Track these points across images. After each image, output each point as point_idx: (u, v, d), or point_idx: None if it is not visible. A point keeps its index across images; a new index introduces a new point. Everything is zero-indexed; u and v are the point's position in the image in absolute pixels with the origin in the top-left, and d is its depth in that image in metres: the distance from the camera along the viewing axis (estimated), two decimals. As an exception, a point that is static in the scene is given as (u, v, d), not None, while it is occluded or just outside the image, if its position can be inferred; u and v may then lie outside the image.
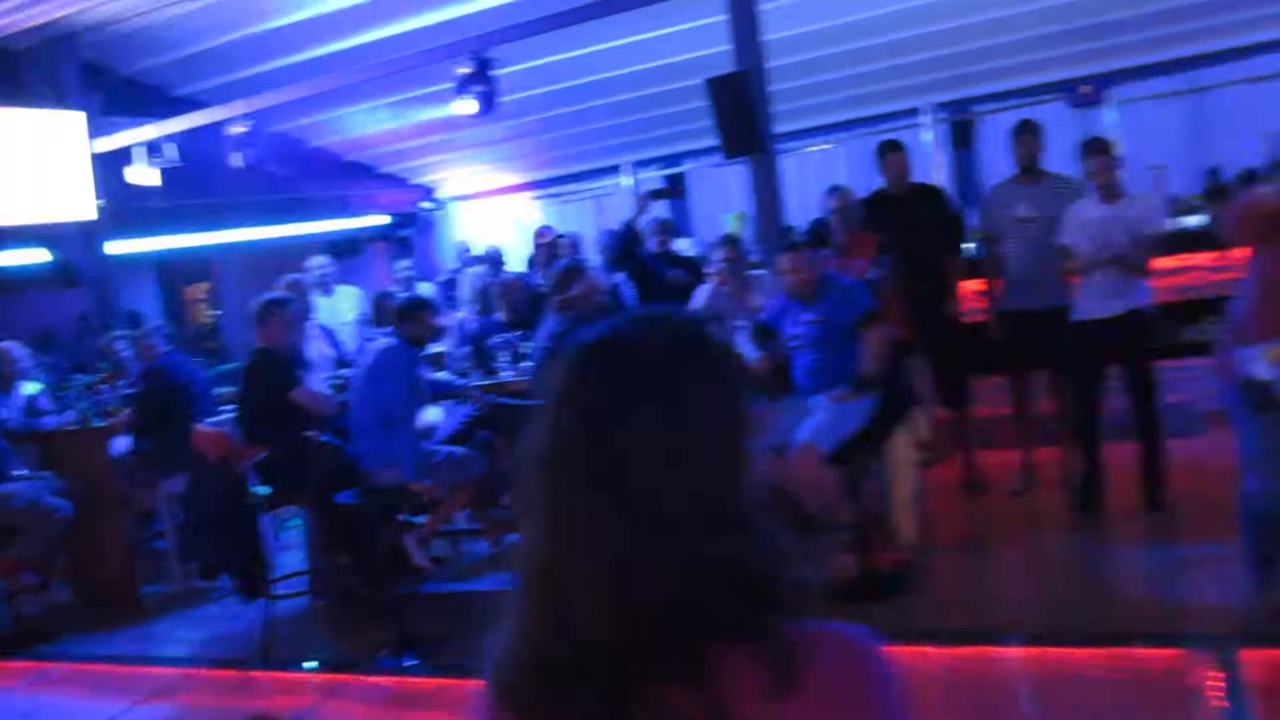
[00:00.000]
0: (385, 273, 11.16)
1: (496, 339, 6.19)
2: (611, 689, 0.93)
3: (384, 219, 11.62)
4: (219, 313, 12.20)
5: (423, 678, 4.39)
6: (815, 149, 10.50)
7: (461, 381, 5.86)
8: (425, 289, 8.48)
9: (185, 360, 6.49)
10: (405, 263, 9.52)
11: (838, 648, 0.96)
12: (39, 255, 8.63)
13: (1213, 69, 9.06)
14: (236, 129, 7.44)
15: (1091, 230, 4.86)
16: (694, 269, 6.87)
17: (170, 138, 7.72)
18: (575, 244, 8.36)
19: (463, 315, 7.35)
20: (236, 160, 7.53)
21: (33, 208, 7.62)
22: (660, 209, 9.34)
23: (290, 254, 8.67)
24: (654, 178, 11.17)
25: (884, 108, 9.88)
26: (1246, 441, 3.65)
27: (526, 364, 6.04)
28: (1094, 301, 4.90)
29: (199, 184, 8.50)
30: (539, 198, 12.15)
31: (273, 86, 7.84)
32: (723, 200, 10.64)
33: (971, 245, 5.99)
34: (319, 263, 7.64)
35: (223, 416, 5.89)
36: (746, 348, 4.98)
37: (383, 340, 5.46)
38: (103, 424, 6.21)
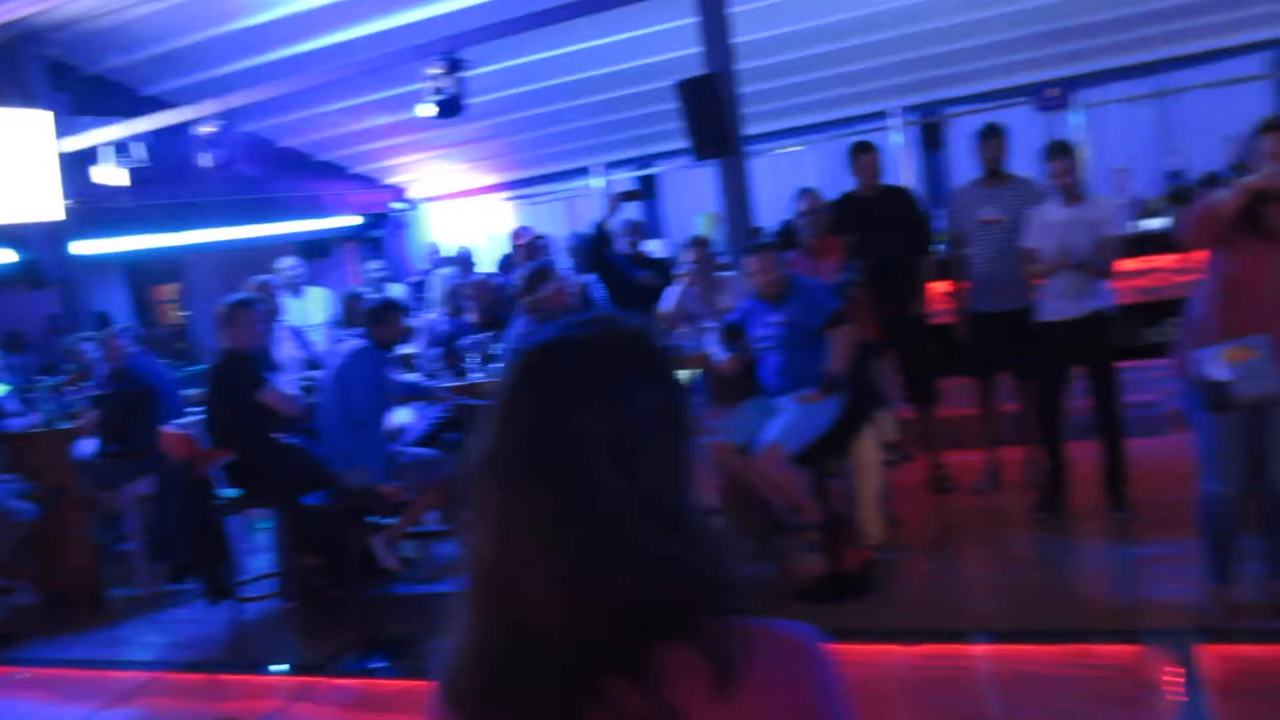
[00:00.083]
0: (355, 274, 11.12)
1: (467, 340, 6.19)
2: (564, 690, 0.95)
3: (355, 220, 11.58)
4: (188, 314, 12.11)
5: (391, 679, 4.39)
6: (785, 151, 10.55)
7: (431, 383, 5.85)
8: (396, 290, 8.47)
9: (153, 361, 6.45)
10: (376, 264, 9.49)
11: (780, 646, 0.97)
12: (6, 256, 8.55)
13: (1178, 73, 9.19)
14: (206, 129, 7.40)
15: (1054, 233, 4.92)
16: (663, 270, 6.89)
17: (139, 137, 7.67)
18: (547, 245, 8.37)
19: (433, 317, 7.33)
20: (206, 160, 7.48)
21: (-1, 208, 7.55)
22: (632, 210, 9.35)
23: (260, 255, 8.63)
24: (625, 179, 11.19)
25: (854, 110, 9.96)
26: (1204, 441, 3.70)
27: (497, 365, 6.04)
28: (1057, 303, 4.95)
29: (168, 184, 8.45)
30: (510, 199, 12.15)
31: (242, 86, 7.80)
32: (694, 201, 10.69)
33: (941, 247, 6.05)
34: (289, 264, 7.61)
35: (190, 418, 5.86)
36: (715, 348, 5.00)
37: (352, 342, 5.44)
38: (69, 425, 6.17)
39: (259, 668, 4.77)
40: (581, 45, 8.04)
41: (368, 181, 11.75)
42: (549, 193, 11.98)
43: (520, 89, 8.96)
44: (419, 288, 9.12)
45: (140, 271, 11.36)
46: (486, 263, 9.42)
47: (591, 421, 0.98)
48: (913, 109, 10.01)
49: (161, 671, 4.96)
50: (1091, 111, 9.40)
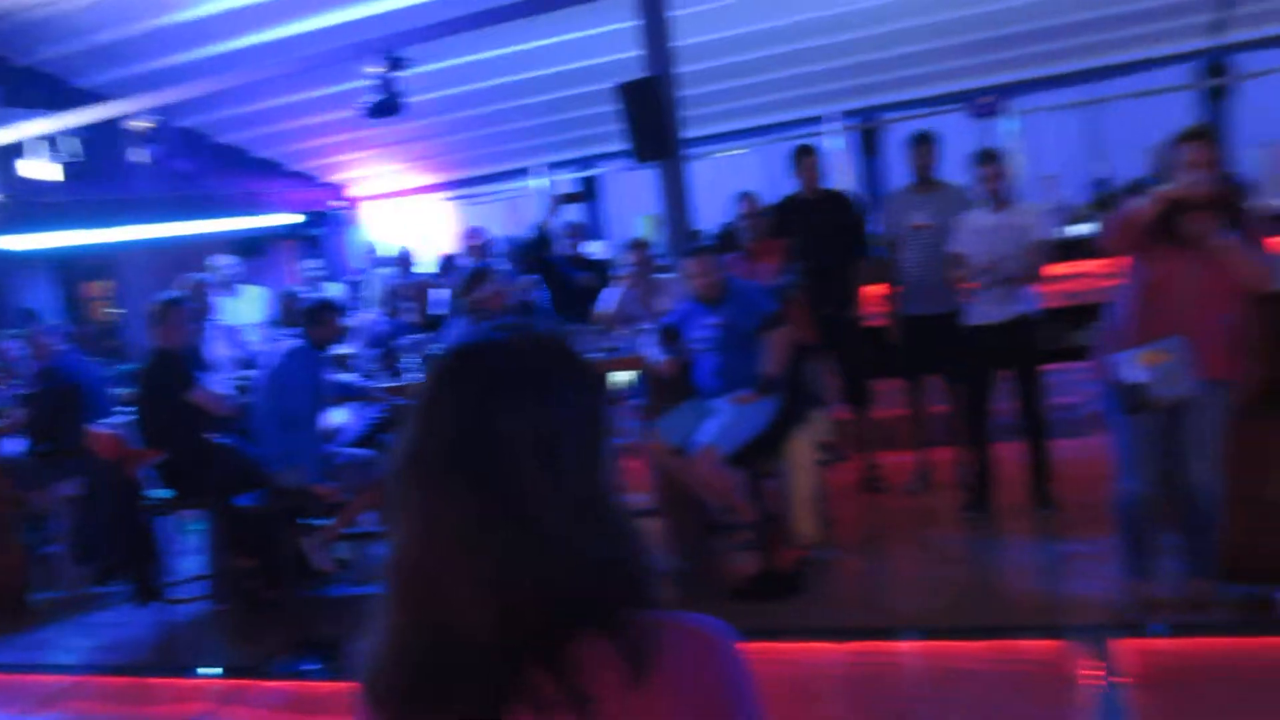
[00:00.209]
0: (292, 272, 10.99)
1: (405, 341, 6.16)
2: (484, 687, 0.97)
3: (292, 218, 11.43)
4: (119, 311, 11.88)
5: (324, 682, 4.36)
6: (725, 154, 10.62)
7: (368, 383, 5.82)
8: (333, 290, 8.39)
9: (82, 360, 6.34)
10: (313, 263, 9.39)
11: (691, 638, 1.00)
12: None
13: (1106, 83, 9.42)
14: (141, 123, 7.27)
15: (981, 238, 5.02)
16: (602, 272, 6.92)
17: (71, 131, 7.51)
18: (495, 246, 8.35)
19: (370, 317, 7.28)
20: (140, 155, 7.36)
21: (-78, 202, 7.36)
22: (573, 212, 9.37)
23: (195, 252, 8.49)
24: (566, 180, 11.19)
25: (793, 114, 10.05)
26: (1121, 442, 3.81)
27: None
28: (984, 307, 5.06)
29: (101, 179, 8.28)
30: (450, 199, 12.09)
31: (179, 80, 7.67)
32: (635, 203, 10.71)
33: (879, 250, 6.14)
34: (224, 262, 7.51)
35: (120, 418, 5.76)
36: (653, 350, 5.04)
37: (287, 341, 5.40)
38: (-5, 425, 6.04)
39: (188, 671, 4.70)
40: (522, 46, 8.02)
41: (306, 179, 11.61)
42: (489, 193, 11.93)
43: (461, 88, 8.92)
44: (356, 287, 9.04)
45: (70, 268, 11.11)
46: (426, 263, 9.36)
47: (516, 423, 1.01)
48: (851, 114, 10.13)
49: (87, 675, 4.88)
50: (1024, 119, 9.59)
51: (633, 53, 5.85)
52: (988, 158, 5.11)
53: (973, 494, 5.32)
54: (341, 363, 6.03)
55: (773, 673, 3.57)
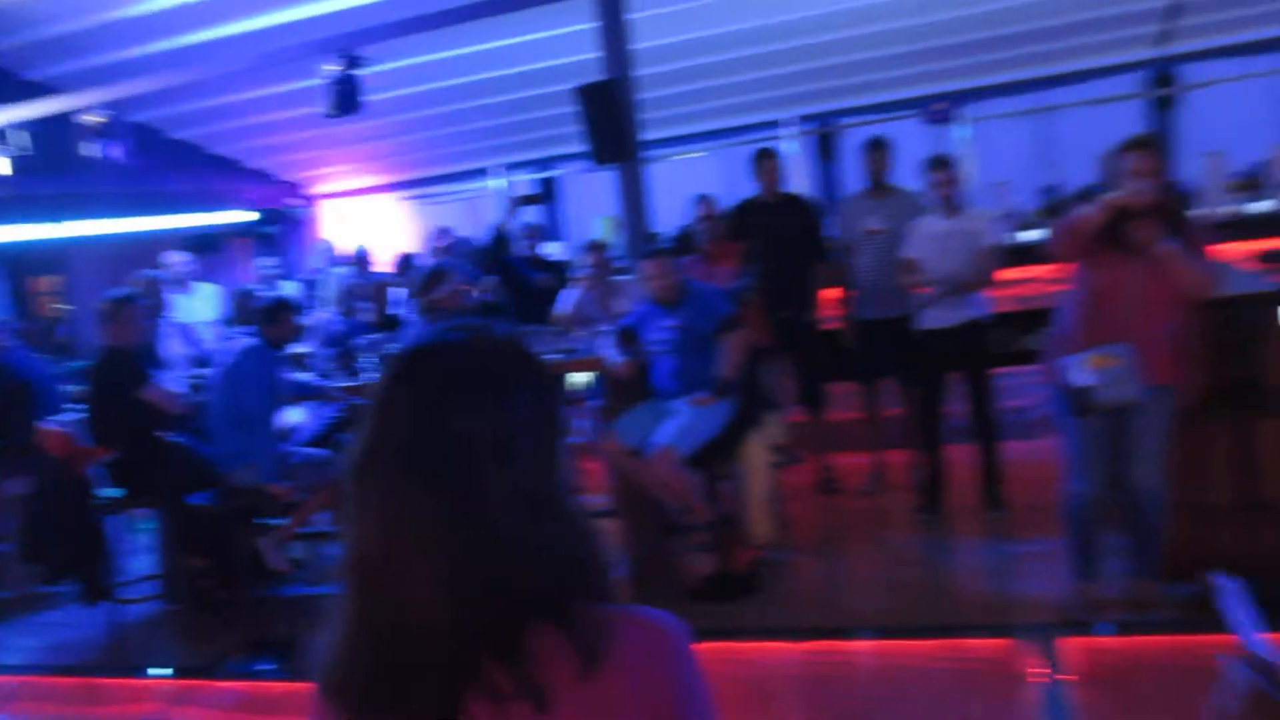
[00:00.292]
0: (247, 270, 10.88)
1: (362, 340, 6.13)
2: (445, 678, 0.99)
3: (248, 215, 11.32)
4: (68, 307, 11.69)
5: (276, 682, 4.33)
6: (683, 157, 10.67)
7: (324, 383, 5.79)
8: (289, 288, 8.32)
9: (30, 356, 6.24)
10: (269, 261, 9.30)
11: (642, 631, 1.03)
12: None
13: (1056, 91, 9.60)
14: (93, 117, 7.17)
15: (934, 244, 5.10)
16: (560, 273, 6.93)
17: (20, 124, 7.39)
18: (463, 246, 8.32)
19: (326, 316, 7.23)
20: (92, 150, 7.26)
21: None
22: (532, 213, 9.37)
23: (148, 248, 8.38)
24: (525, 181, 11.18)
25: (751, 118, 10.13)
26: (1069, 444, 3.89)
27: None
28: (936, 312, 5.14)
29: (52, 173, 8.15)
30: (408, 198, 12.03)
31: (133, 75, 7.58)
32: (594, 204, 10.73)
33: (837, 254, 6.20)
34: (177, 259, 7.43)
35: (70, 415, 5.68)
36: (610, 351, 5.06)
37: (243, 340, 5.36)
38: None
39: (139, 671, 4.65)
40: (482, 46, 8.02)
41: (262, 177, 11.51)
42: (448, 193, 11.89)
43: (420, 88, 8.89)
44: (312, 286, 8.97)
45: (19, 262, 10.92)
46: (383, 262, 9.30)
47: (473, 423, 1.03)
48: (808, 119, 10.23)
49: (36, 676, 4.80)
50: (976, 126, 9.74)
51: (592, 54, 5.87)
52: (940, 164, 5.19)
53: (925, 496, 5.39)
54: (297, 362, 5.99)
55: (729, 672, 3.62)
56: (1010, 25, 8.40)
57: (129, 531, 5.95)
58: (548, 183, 11.66)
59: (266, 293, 7.11)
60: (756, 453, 4.89)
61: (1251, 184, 9.11)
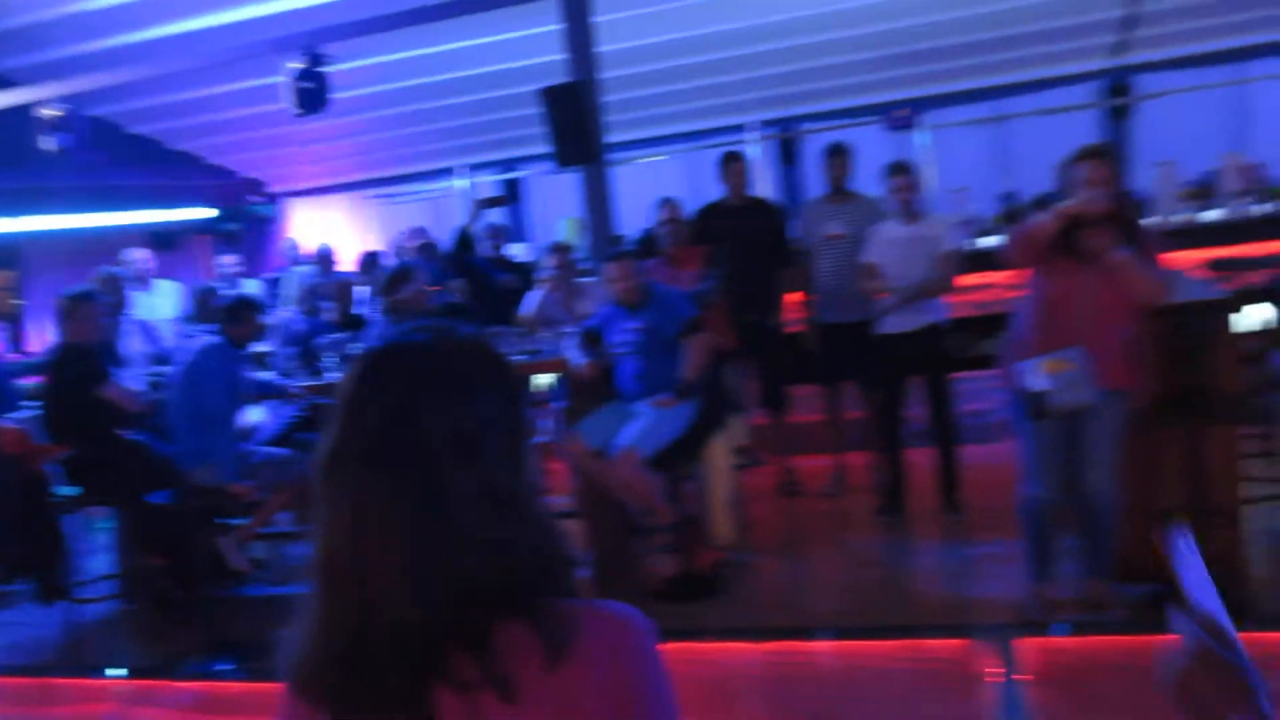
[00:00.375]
0: (208, 268, 10.77)
1: (324, 339, 6.10)
2: (414, 669, 1.01)
3: (209, 212, 11.20)
4: (21, 303, 11.50)
5: (235, 682, 4.31)
6: (647, 160, 10.71)
7: (286, 382, 5.76)
8: (250, 286, 8.26)
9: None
10: (230, 258, 9.22)
11: (606, 624, 1.06)
12: None
13: (1014, 99, 9.74)
14: (50, 111, 7.07)
15: (893, 249, 5.17)
16: (525, 274, 6.94)
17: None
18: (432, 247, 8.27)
19: (287, 315, 7.19)
20: (49, 144, 7.16)
21: None
22: (496, 214, 9.35)
23: (106, 245, 8.29)
24: (489, 183, 11.16)
25: (714, 122, 10.18)
26: (1025, 448, 3.95)
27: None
28: (896, 317, 5.20)
29: (7, 167, 8.02)
30: (373, 197, 11.97)
31: (91, 69, 7.48)
32: (559, 206, 10.73)
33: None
34: (137, 255, 7.35)
35: (26, 412, 5.60)
36: (574, 353, 5.08)
37: (204, 338, 5.32)
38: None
39: (94, 671, 4.60)
40: (447, 46, 8.00)
41: (224, 174, 11.39)
42: (412, 193, 11.84)
43: (384, 87, 8.85)
44: (274, 284, 8.91)
45: (-28, 257, 10.74)
46: (347, 261, 9.26)
47: (440, 422, 1.05)
48: (770, 123, 10.30)
49: (-10, 676, 4.75)
50: (936, 133, 9.86)
51: (558, 56, 5.89)
52: (900, 169, 5.25)
53: (886, 498, 5.45)
54: (259, 361, 5.96)
55: (691, 672, 3.64)
56: (970, 34, 8.52)
57: (86, 530, 5.89)
58: (512, 184, 11.64)
59: (228, 291, 7.06)
60: (719, 454, 4.93)
61: (1203, 193, 9.28)
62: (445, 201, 11.25)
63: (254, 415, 5.77)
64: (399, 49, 8.02)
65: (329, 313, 6.69)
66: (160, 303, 7.31)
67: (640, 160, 10.58)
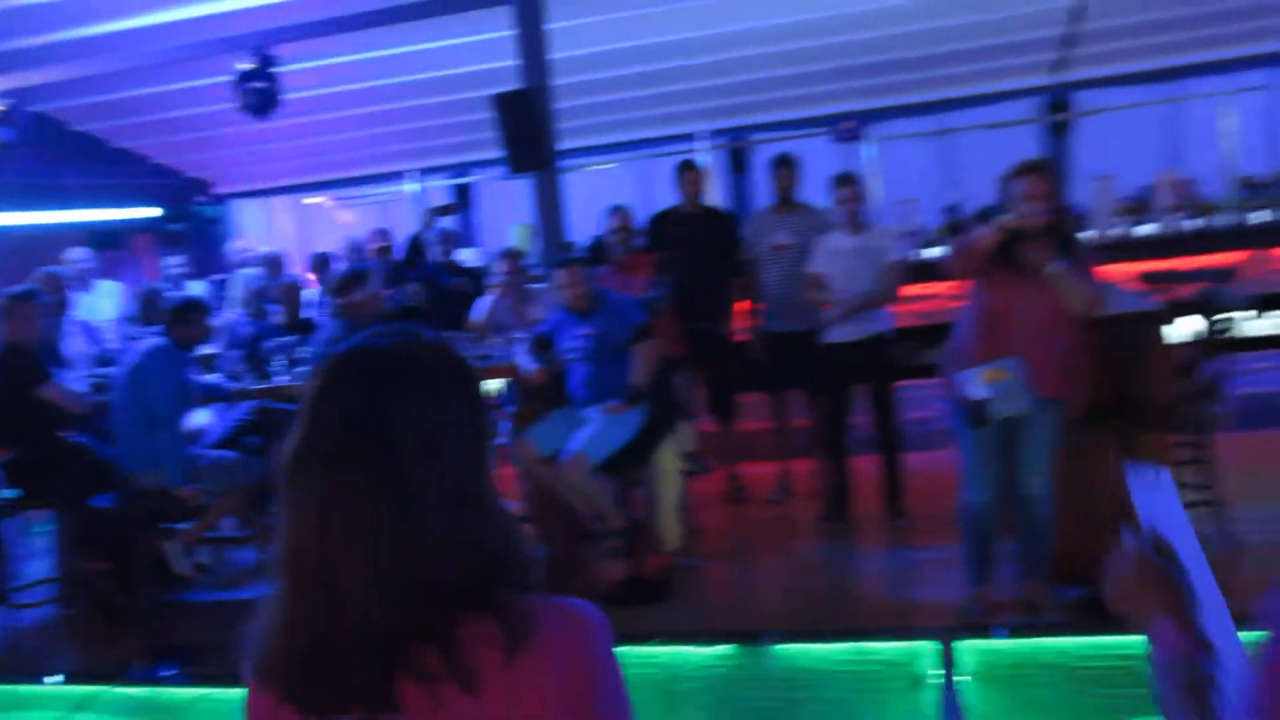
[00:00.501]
0: (152, 268, 10.62)
1: (271, 343, 6.06)
2: (377, 661, 1.05)
3: (153, 212, 11.04)
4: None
5: (179, 687, 4.26)
6: (599, 167, 10.75)
7: (232, 385, 5.71)
8: (195, 288, 8.17)
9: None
10: (176, 259, 9.11)
11: (564, 618, 1.11)
12: None
13: (958, 113, 9.94)
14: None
15: (839, 260, 5.25)
16: (475, 279, 6.94)
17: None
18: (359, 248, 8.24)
19: (233, 317, 7.12)
20: (-11, 139, 7.04)
21: None
22: (448, 221, 9.32)
23: (47, 244, 8.15)
24: (441, 187, 11.13)
25: (665, 131, 10.26)
26: (965, 455, 4.04)
27: (304, 369, 5.94)
28: (842, 326, 5.28)
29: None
30: (322, 199, 11.88)
31: (36, 64, 7.35)
32: (510, 211, 10.74)
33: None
34: (79, 255, 7.24)
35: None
36: (524, 359, 5.10)
37: (150, 340, 5.26)
38: None
39: (34, 677, 4.53)
40: (400, 50, 7.98)
41: (170, 173, 11.23)
42: (362, 196, 11.78)
43: (335, 89, 8.80)
44: (220, 286, 8.81)
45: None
46: (295, 263, 9.19)
47: (403, 422, 1.09)
48: (721, 133, 10.40)
49: (-75, 683, 4.64)
50: (882, 145, 10.03)
51: (510, 62, 5.91)
52: (847, 181, 5.33)
53: (831, 504, 5.52)
54: (205, 363, 5.90)
55: (640, 675, 3.67)
56: (915, 49, 8.68)
57: (25, 534, 5.79)
58: (463, 189, 11.62)
59: (173, 292, 6.98)
60: (667, 460, 4.97)
61: (1139, 208, 9.54)
62: (396, 205, 11.20)
63: (200, 418, 5.72)
64: (351, 51, 7.99)
65: (275, 315, 6.65)
66: (102, 303, 7.21)
67: (591, 167, 10.63)
